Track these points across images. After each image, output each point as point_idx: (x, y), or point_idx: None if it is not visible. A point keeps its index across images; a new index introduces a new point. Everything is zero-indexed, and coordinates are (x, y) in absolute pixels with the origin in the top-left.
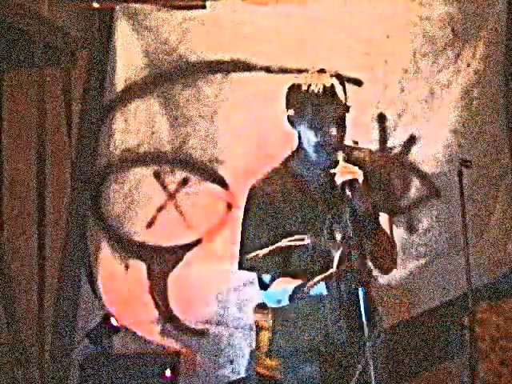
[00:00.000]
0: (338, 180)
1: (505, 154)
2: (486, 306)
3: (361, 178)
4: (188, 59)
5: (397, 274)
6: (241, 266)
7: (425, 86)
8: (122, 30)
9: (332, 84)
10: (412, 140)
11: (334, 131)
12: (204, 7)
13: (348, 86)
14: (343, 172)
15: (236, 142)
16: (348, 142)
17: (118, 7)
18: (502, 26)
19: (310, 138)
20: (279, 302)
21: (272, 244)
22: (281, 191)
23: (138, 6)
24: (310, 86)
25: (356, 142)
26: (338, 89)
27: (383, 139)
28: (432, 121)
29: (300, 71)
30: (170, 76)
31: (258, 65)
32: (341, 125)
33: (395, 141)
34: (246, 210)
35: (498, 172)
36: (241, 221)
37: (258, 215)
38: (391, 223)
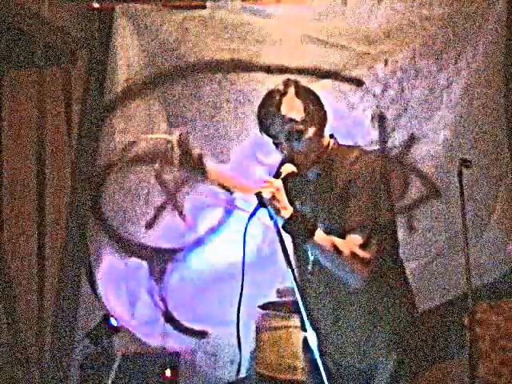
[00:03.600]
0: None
1: (505, 154)
2: (486, 306)
3: (267, 195)
4: (188, 59)
5: None
6: None
7: (425, 86)
8: (122, 30)
9: (280, 100)
10: (412, 140)
11: (286, 147)
12: (204, 7)
13: (348, 86)
14: (262, 186)
15: (236, 142)
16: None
17: (117, 7)
18: (502, 25)
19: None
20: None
21: None
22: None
23: (137, 5)
24: (262, 107)
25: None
26: (287, 104)
27: (383, 139)
28: (432, 121)
29: (300, 71)
30: (170, 76)
31: (258, 65)
32: (294, 139)
33: (395, 141)
34: None
35: (497, 172)
36: None
37: None
38: (365, 237)
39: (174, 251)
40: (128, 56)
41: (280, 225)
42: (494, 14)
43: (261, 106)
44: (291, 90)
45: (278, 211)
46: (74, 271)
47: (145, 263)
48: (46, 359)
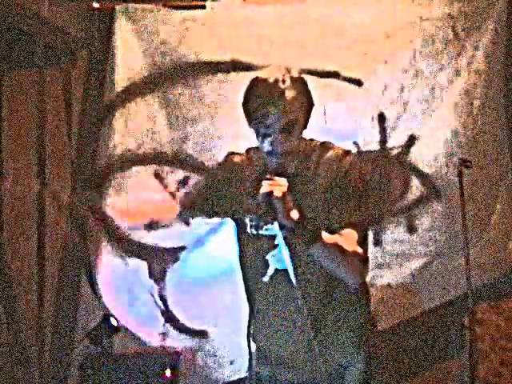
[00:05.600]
0: (261, 190)
1: (505, 154)
2: (486, 306)
3: (278, 193)
4: (188, 59)
5: (397, 274)
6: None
7: (425, 86)
8: (122, 30)
9: (283, 90)
10: (412, 140)
11: (280, 139)
12: (204, 7)
13: (348, 86)
14: (266, 184)
15: (236, 142)
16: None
17: (118, 7)
18: (502, 25)
19: (258, 142)
20: None
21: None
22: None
23: (137, 5)
24: (263, 88)
25: (356, 144)
26: (291, 94)
27: (383, 139)
28: (432, 121)
29: (300, 71)
30: (170, 76)
31: (258, 65)
32: (289, 131)
33: (395, 141)
34: None
35: (497, 172)
36: None
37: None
38: (360, 236)
39: (174, 251)
40: (128, 56)
41: (280, 229)
42: (493, 14)
43: (255, 94)
44: (288, 78)
45: (287, 213)
46: (73, 271)
47: (145, 263)
48: (45, 359)
